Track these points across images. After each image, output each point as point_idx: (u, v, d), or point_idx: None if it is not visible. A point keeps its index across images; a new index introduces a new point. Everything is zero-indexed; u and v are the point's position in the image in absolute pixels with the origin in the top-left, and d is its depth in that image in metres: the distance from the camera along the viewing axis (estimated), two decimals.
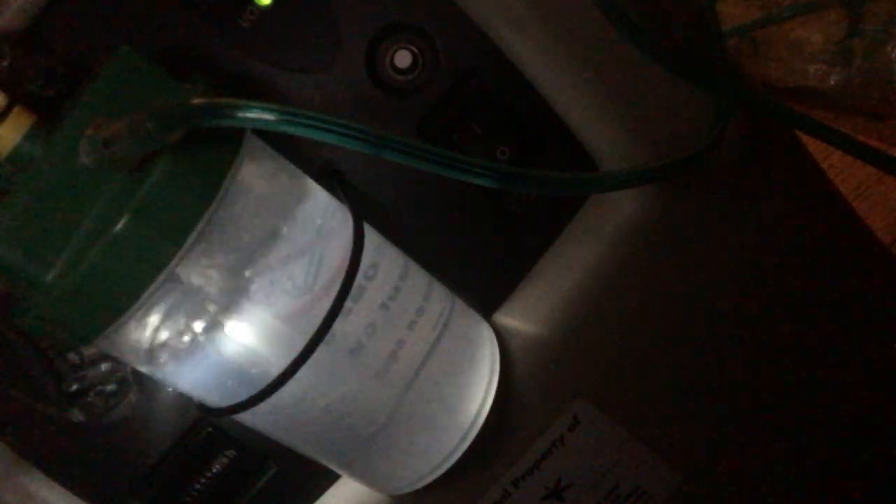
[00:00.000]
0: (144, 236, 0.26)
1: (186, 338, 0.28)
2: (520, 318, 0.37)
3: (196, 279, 0.27)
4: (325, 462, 0.35)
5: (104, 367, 0.34)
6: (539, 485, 0.38)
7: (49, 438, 0.34)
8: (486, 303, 0.37)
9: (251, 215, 0.28)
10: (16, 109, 0.27)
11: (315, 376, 0.30)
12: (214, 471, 0.36)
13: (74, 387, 0.34)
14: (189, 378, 0.30)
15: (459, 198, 0.36)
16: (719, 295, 0.38)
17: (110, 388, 0.34)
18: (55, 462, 0.35)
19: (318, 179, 0.32)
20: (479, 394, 0.34)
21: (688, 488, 0.40)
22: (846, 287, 0.41)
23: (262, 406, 0.29)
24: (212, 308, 0.28)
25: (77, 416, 0.34)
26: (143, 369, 0.30)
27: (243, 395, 0.29)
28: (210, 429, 0.36)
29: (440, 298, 0.33)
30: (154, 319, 0.27)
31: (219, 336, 0.29)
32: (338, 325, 0.29)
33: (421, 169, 0.26)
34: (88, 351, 0.34)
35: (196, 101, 0.26)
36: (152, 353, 0.28)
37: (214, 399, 0.31)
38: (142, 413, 0.35)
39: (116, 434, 0.35)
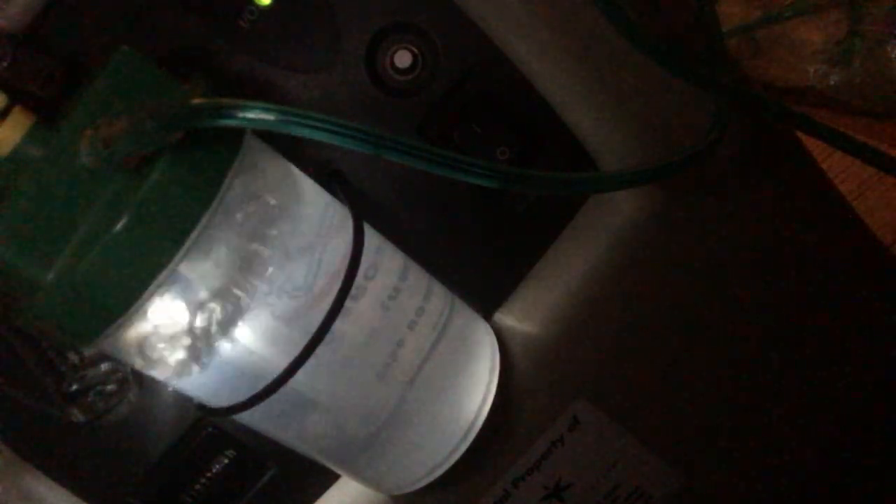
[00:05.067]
0: (144, 236, 0.26)
1: (186, 338, 0.28)
2: (520, 318, 0.37)
3: (196, 279, 0.27)
4: (324, 462, 0.35)
5: (104, 367, 0.34)
6: (539, 485, 0.38)
7: (49, 438, 0.34)
8: (486, 303, 0.37)
9: (251, 215, 0.28)
10: (16, 109, 0.27)
11: (315, 376, 0.30)
12: (214, 471, 0.36)
13: (74, 387, 0.34)
14: (189, 378, 0.30)
15: (459, 198, 0.36)
16: (719, 295, 0.38)
17: (110, 388, 0.34)
18: (55, 462, 0.35)
19: (318, 179, 0.32)
20: (478, 394, 0.34)
21: (688, 488, 0.40)
22: (846, 287, 0.41)
23: (262, 406, 0.29)
24: (211, 308, 0.28)
25: (77, 416, 0.34)
26: (143, 370, 0.30)
27: (243, 395, 0.29)
28: (210, 429, 0.36)
29: (440, 298, 0.33)
30: (154, 320, 0.27)
31: (218, 336, 0.29)
32: (338, 325, 0.29)
33: (421, 169, 0.26)
34: (88, 351, 0.34)
35: (196, 101, 0.26)
36: (152, 353, 0.28)
37: (214, 399, 0.31)
38: (142, 413, 0.35)
39: (116, 434, 0.35)
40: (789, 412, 0.41)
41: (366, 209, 0.32)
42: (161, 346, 0.28)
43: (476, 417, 0.34)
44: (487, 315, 0.38)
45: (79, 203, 0.26)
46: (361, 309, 0.30)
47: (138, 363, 0.29)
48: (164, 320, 0.28)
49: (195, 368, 0.29)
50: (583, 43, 0.34)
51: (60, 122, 0.27)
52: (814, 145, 0.40)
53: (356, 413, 0.32)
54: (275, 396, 0.29)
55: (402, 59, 0.34)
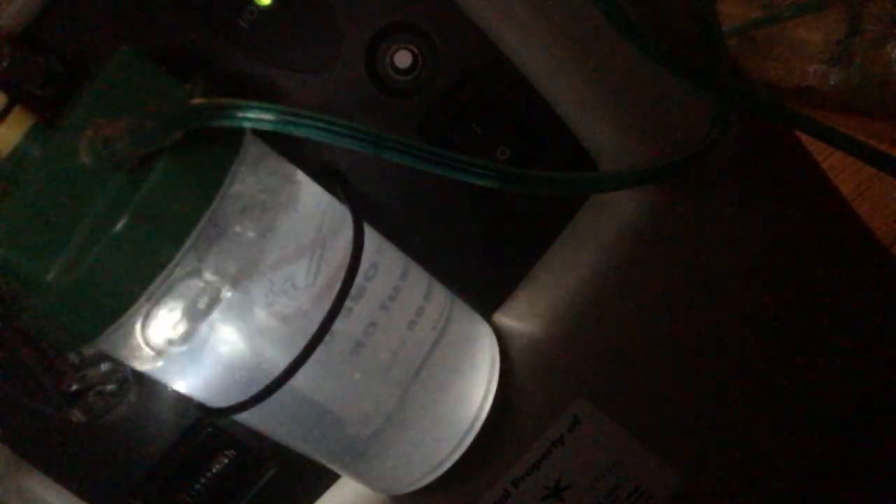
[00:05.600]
0: (144, 236, 0.26)
1: (186, 338, 0.28)
2: (520, 318, 0.37)
3: (195, 279, 0.27)
4: (324, 462, 0.35)
5: (104, 367, 0.34)
6: (539, 485, 0.38)
7: (49, 438, 0.34)
8: (486, 303, 0.37)
9: (251, 216, 0.28)
10: (16, 109, 0.27)
11: (315, 376, 0.30)
12: (214, 471, 0.36)
13: (74, 387, 0.34)
14: (189, 378, 0.30)
15: (459, 198, 0.36)
16: (719, 295, 0.38)
17: (110, 388, 0.34)
18: (55, 462, 0.35)
19: (318, 179, 0.32)
20: (478, 394, 0.34)
21: (688, 488, 0.40)
22: (846, 287, 0.41)
23: (262, 406, 0.29)
24: (211, 308, 0.28)
25: (77, 416, 0.34)
26: (143, 369, 0.30)
27: (243, 395, 0.29)
28: (210, 429, 0.36)
29: (440, 298, 0.33)
30: (154, 320, 0.27)
31: (219, 336, 0.29)
32: (338, 325, 0.29)
33: (421, 169, 0.26)
34: (88, 351, 0.34)
35: (196, 101, 0.26)
36: (152, 353, 0.28)
37: (214, 399, 0.31)
38: (142, 413, 0.35)
39: (116, 434, 0.35)
40: (789, 412, 0.41)
41: (366, 209, 0.32)
42: (161, 346, 0.28)
43: (476, 417, 0.34)
44: (487, 315, 0.38)
45: (79, 203, 0.26)
46: (361, 309, 0.30)
47: (138, 363, 0.29)
48: (163, 320, 0.28)
49: (195, 368, 0.29)
50: (583, 43, 0.34)
51: (60, 122, 0.27)
52: (814, 145, 0.40)
53: (356, 413, 0.32)
54: (275, 396, 0.29)
55: (402, 59, 0.34)
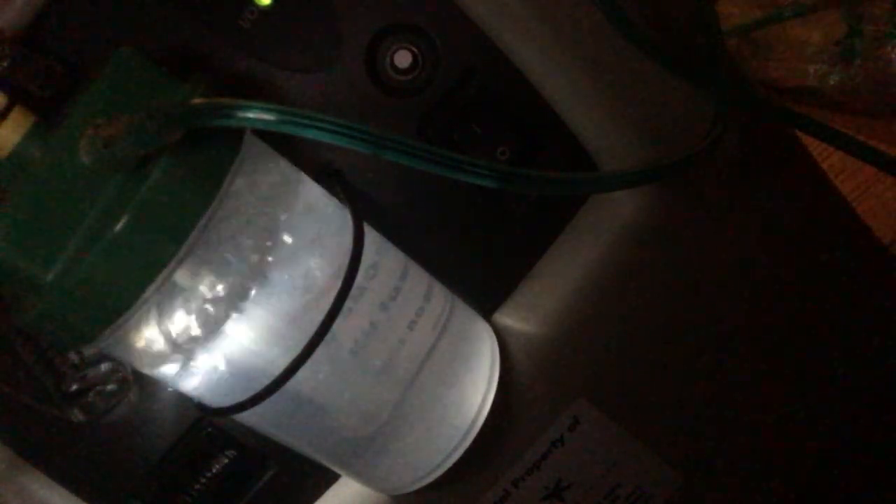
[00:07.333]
0: (144, 236, 0.26)
1: (186, 338, 0.28)
2: (520, 318, 0.37)
3: (196, 279, 0.27)
4: (324, 462, 0.35)
5: (104, 367, 0.34)
6: (539, 485, 0.38)
7: (49, 438, 0.34)
8: (486, 303, 0.37)
9: (251, 216, 0.28)
10: (16, 109, 0.27)
11: (315, 376, 0.30)
12: (214, 471, 0.36)
13: (74, 387, 0.34)
14: (189, 378, 0.30)
15: (459, 198, 0.36)
16: (719, 295, 0.38)
17: (110, 388, 0.34)
18: (55, 462, 0.35)
19: (318, 179, 0.32)
20: (479, 394, 0.34)
21: (688, 488, 0.40)
22: (846, 287, 0.41)
23: (263, 406, 0.29)
24: (212, 308, 0.28)
25: (77, 416, 0.34)
26: (144, 370, 0.30)
27: (243, 395, 0.29)
28: (210, 429, 0.36)
29: (440, 298, 0.33)
30: (154, 320, 0.27)
31: (219, 336, 0.29)
32: (338, 325, 0.29)
33: (421, 169, 0.26)
34: (88, 351, 0.34)
35: (196, 101, 0.26)
36: (152, 353, 0.28)
37: (215, 399, 0.31)
38: (142, 413, 0.35)
39: (116, 434, 0.35)
40: (789, 412, 0.41)
41: (366, 209, 0.32)
42: (161, 346, 0.28)
43: (476, 417, 0.34)
44: (487, 315, 0.38)
45: (79, 203, 0.26)
46: (362, 309, 0.30)
47: (138, 363, 0.29)
48: (163, 320, 0.28)
49: (195, 368, 0.29)
50: (583, 43, 0.34)
51: (60, 122, 0.27)
52: (814, 145, 0.40)
53: (356, 413, 0.32)
54: (275, 396, 0.29)
55: (402, 59, 0.34)
